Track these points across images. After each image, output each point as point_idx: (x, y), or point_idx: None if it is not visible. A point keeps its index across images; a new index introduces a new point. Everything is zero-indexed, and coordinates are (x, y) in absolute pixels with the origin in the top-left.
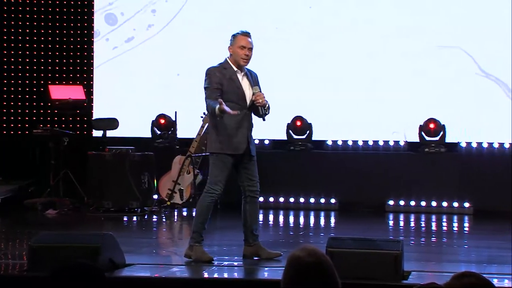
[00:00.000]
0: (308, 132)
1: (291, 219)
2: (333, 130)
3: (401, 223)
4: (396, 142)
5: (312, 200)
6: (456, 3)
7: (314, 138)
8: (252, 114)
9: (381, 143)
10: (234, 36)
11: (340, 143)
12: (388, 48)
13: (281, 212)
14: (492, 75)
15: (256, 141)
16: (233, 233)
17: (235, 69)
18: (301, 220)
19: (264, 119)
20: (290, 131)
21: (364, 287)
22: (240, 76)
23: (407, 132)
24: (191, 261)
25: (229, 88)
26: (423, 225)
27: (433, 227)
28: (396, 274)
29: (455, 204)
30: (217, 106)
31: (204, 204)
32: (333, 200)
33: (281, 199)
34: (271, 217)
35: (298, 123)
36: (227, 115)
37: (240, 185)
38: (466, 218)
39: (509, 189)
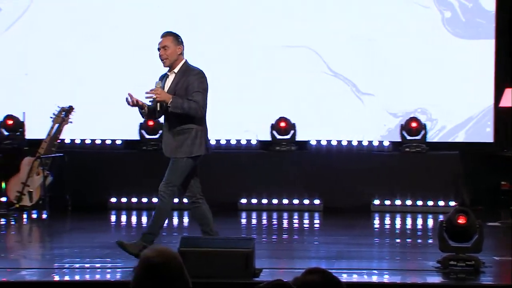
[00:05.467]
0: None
1: (144, 219)
2: None
3: (254, 221)
4: (248, 141)
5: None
6: (305, 3)
7: None
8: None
9: (233, 142)
10: None
11: None
12: (237, 47)
13: (134, 212)
14: (340, 74)
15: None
16: (83, 236)
17: None
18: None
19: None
20: (142, 131)
21: (216, 285)
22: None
23: (258, 131)
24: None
25: None
26: (275, 222)
27: (285, 224)
28: (247, 272)
29: (306, 201)
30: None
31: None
32: (185, 200)
33: (134, 200)
34: (123, 218)
35: (151, 123)
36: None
37: (189, 188)
38: (316, 214)
39: (357, 186)
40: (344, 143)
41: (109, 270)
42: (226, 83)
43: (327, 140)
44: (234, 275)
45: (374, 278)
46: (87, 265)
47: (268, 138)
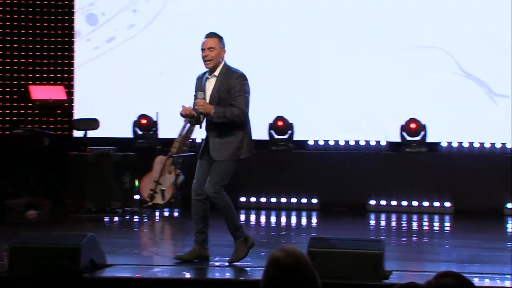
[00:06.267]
0: (289, 132)
1: (273, 219)
2: (315, 130)
3: (383, 223)
4: (378, 142)
5: (293, 200)
6: (437, 3)
7: (295, 138)
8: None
9: (362, 143)
10: None
11: (321, 143)
12: (369, 48)
13: (263, 212)
14: (472, 75)
15: None
16: (213, 234)
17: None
18: (283, 220)
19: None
20: (272, 131)
21: (345, 286)
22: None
23: (388, 132)
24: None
25: None
26: (404, 224)
27: (414, 227)
28: (377, 274)
29: (436, 204)
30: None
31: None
32: (314, 200)
33: (263, 199)
34: (252, 217)
35: (280, 123)
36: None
37: (202, 184)
38: (447, 217)
39: (489, 188)
40: (476, 145)
41: (238, 269)
42: (358, 84)
43: (458, 142)
44: (364, 276)
45: (507, 283)
46: (217, 264)
47: (398, 139)
